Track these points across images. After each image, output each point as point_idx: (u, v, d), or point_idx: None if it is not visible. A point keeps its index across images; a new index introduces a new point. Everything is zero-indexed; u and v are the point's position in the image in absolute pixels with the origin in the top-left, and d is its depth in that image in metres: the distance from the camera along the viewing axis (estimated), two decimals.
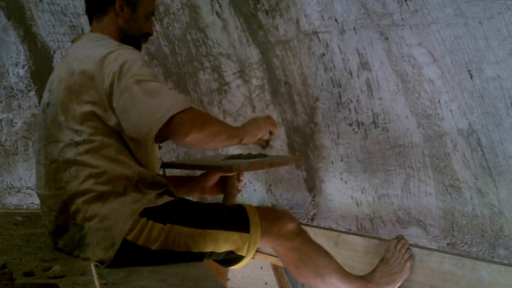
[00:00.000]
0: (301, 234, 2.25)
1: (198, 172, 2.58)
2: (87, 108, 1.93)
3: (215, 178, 2.54)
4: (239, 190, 2.54)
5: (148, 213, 1.95)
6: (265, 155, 2.56)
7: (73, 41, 2.21)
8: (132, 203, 1.95)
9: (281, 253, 2.26)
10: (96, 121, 1.93)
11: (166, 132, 1.85)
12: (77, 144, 1.94)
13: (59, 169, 1.97)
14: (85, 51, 2.01)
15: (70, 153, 1.95)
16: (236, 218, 2.11)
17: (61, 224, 1.99)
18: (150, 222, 1.94)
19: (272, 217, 2.22)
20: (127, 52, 1.96)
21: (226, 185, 2.48)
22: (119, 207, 1.93)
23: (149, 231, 1.93)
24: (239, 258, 2.11)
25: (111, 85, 1.89)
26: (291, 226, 2.22)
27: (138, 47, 2.19)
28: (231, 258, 2.10)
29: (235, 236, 2.06)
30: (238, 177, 2.52)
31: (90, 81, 1.93)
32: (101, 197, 1.93)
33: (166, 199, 2.03)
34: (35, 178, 2.13)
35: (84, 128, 1.93)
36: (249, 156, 2.53)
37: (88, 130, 1.93)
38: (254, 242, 2.09)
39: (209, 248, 2.01)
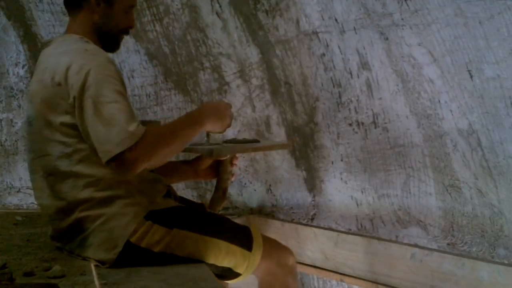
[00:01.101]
0: (294, 274, 2.23)
1: (192, 156, 2.54)
2: (66, 118, 1.90)
3: (208, 161, 2.45)
4: (233, 175, 2.48)
5: (153, 216, 1.95)
6: (258, 141, 2.54)
7: (42, 47, 2.15)
8: (136, 206, 1.95)
9: (266, 281, 2.19)
10: (78, 130, 1.90)
11: (116, 163, 1.82)
12: (68, 155, 1.92)
13: (57, 181, 1.95)
14: (53, 59, 1.96)
15: (64, 165, 1.92)
16: (240, 233, 2.10)
17: (64, 228, 1.98)
18: (155, 225, 1.94)
19: (275, 244, 2.22)
20: (90, 63, 1.88)
21: (219, 169, 2.44)
22: (122, 209, 1.92)
23: (153, 234, 1.93)
24: (235, 275, 2.09)
25: (74, 98, 1.86)
26: (291, 261, 2.21)
27: (115, 43, 2.12)
28: (228, 274, 2.08)
29: (237, 251, 2.04)
30: (231, 161, 2.45)
31: (60, 91, 1.89)
32: (104, 202, 1.92)
33: (172, 203, 2.03)
34: (33, 188, 2.10)
35: (69, 139, 1.91)
36: (244, 141, 2.49)
37: (74, 140, 1.91)
38: (254, 262, 2.07)
39: (210, 259, 2.00)
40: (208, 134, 2.24)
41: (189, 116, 2.15)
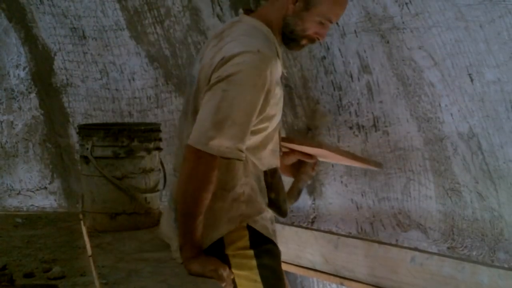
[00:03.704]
0: None
1: None
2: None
3: (293, 159, 2.41)
4: (311, 177, 2.47)
5: (252, 231, 1.95)
6: None
7: (230, 25, 2.06)
8: (249, 206, 1.95)
9: None
10: None
11: (186, 150, 1.82)
12: None
13: None
14: (226, 45, 1.90)
15: None
16: None
17: None
18: (246, 238, 1.93)
19: None
20: (250, 65, 1.83)
21: (300, 169, 2.42)
22: (229, 208, 1.93)
23: (238, 239, 1.92)
24: None
25: (209, 79, 1.86)
26: None
27: (296, 44, 2.06)
28: None
29: None
30: (313, 166, 2.43)
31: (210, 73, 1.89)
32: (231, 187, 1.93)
33: (271, 232, 2.00)
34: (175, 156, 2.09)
35: None
36: None
37: None
38: None
39: None
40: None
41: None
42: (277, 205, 2.05)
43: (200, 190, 1.81)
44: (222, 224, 1.91)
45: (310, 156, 2.35)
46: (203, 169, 1.79)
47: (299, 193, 2.42)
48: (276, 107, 1.95)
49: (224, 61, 1.83)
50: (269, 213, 2.02)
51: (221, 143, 1.76)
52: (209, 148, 1.76)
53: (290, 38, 2.02)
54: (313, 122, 2.67)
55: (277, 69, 1.90)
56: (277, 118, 1.99)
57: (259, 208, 1.97)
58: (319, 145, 2.34)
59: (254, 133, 1.91)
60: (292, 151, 2.34)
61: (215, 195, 1.87)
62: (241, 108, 1.80)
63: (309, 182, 2.50)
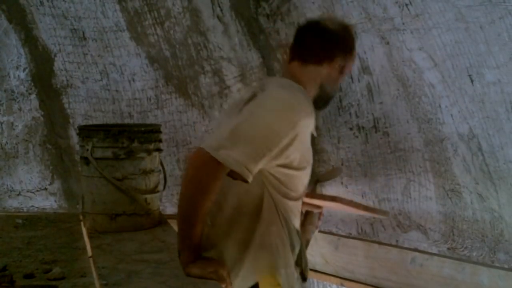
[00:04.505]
0: None
1: None
2: None
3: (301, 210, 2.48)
4: (316, 227, 2.48)
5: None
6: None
7: (260, 83, 2.12)
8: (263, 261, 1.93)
9: None
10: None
11: (197, 151, 1.81)
12: None
13: None
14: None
15: None
16: None
17: None
18: None
19: None
20: (287, 100, 1.86)
21: (306, 220, 2.41)
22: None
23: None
24: None
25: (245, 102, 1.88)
26: None
27: (326, 104, 2.12)
28: None
29: None
30: (319, 216, 2.46)
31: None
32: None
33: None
34: None
35: None
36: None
37: None
38: None
39: None
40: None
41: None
42: (301, 266, 2.05)
43: (200, 196, 1.76)
44: (249, 274, 1.90)
45: (317, 206, 2.36)
46: (206, 175, 1.75)
47: (307, 245, 2.39)
48: (305, 162, 1.95)
49: (263, 92, 1.87)
50: (296, 272, 2.00)
51: (230, 154, 1.72)
52: (218, 154, 1.72)
53: (324, 101, 2.06)
54: (324, 176, 2.68)
55: (312, 122, 1.90)
56: (308, 172, 1.99)
57: (287, 262, 1.96)
58: (334, 199, 2.33)
59: (290, 189, 1.93)
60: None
61: (243, 242, 1.88)
62: (262, 132, 1.79)
63: (315, 231, 2.50)
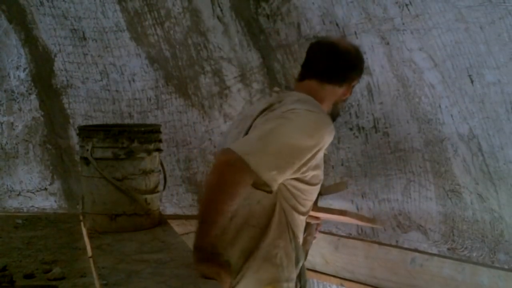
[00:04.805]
0: None
1: None
2: None
3: None
4: (315, 237, 2.52)
5: None
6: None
7: (278, 96, 2.12)
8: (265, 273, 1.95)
9: None
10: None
11: (223, 152, 1.82)
12: None
13: None
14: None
15: None
16: None
17: None
18: None
19: None
20: (315, 117, 1.89)
21: (305, 231, 2.38)
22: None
23: None
24: None
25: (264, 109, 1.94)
26: None
27: (334, 119, 2.15)
28: None
29: None
30: (317, 227, 2.50)
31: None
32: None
33: None
34: None
35: None
36: None
37: None
38: None
39: None
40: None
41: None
42: (300, 282, 2.07)
43: (225, 198, 1.75)
44: (250, 284, 1.91)
45: (315, 217, 2.37)
46: (233, 178, 1.74)
47: (305, 255, 2.39)
48: (318, 178, 1.98)
49: (282, 104, 1.91)
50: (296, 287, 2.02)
51: (261, 162, 1.73)
52: (248, 158, 1.71)
53: (334, 118, 2.12)
54: (328, 190, 2.68)
55: (331, 140, 1.93)
56: (317, 189, 2.02)
57: (289, 276, 1.97)
58: (342, 213, 2.37)
59: (303, 204, 1.97)
60: None
61: (248, 252, 1.90)
62: (290, 144, 1.80)
63: (314, 241, 2.51)
